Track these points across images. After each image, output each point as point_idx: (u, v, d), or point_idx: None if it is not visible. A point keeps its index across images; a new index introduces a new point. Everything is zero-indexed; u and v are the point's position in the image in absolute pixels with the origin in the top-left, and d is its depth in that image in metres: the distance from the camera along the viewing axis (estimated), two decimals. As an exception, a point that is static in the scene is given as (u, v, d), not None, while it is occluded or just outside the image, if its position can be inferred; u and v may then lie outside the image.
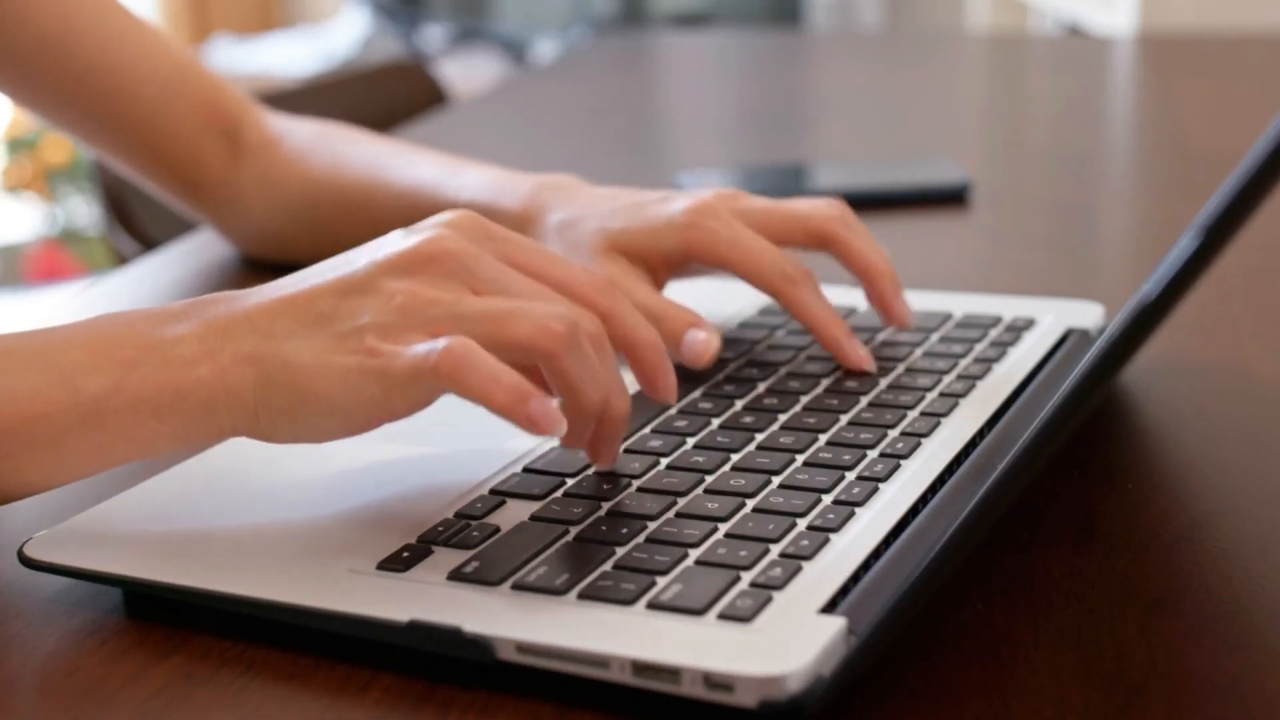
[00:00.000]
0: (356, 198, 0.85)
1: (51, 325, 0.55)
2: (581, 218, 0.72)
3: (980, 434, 0.61)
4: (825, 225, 0.70)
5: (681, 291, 0.78)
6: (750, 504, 0.54)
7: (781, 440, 0.59)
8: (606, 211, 0.72)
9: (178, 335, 0.54)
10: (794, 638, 0.45)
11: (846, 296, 0.77)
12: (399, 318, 0.53)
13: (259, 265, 0.94)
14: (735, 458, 0.58)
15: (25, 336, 0.54)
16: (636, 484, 0.56)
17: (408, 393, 0.52)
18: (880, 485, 0.55)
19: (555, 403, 0.52)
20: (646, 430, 0.61)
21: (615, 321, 0.56)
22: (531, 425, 0.51)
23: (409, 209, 0.82)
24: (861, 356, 0.67)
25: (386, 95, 1.63)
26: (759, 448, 0.59)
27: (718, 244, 0.68)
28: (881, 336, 0.71)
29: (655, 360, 0.57)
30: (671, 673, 0.45)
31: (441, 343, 0.51)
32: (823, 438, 0.60)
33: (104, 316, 0.55)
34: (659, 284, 0.71)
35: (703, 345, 0.65)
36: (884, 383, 0.65)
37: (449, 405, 0.54)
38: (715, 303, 0.77)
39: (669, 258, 0.70)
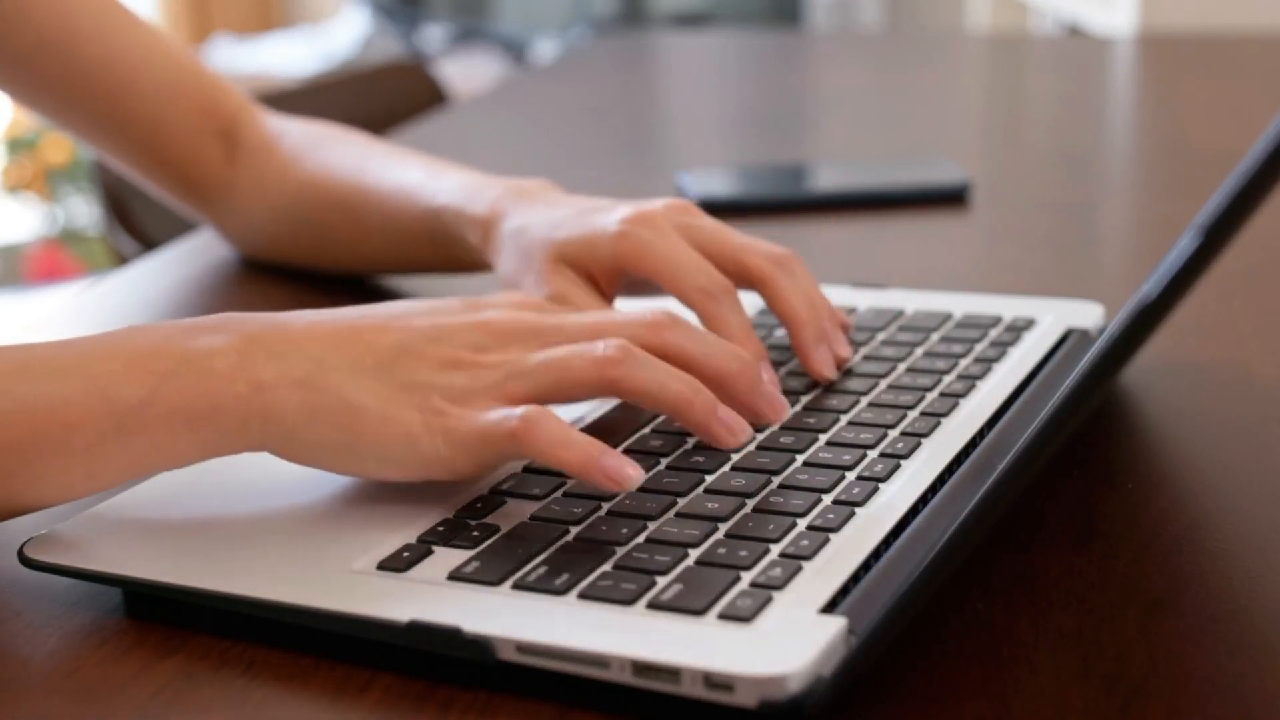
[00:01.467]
0: (343, 201, 0.86)
1: (85, 335, 0.55)
2: (531, 225, 0.72)
3: (980, 434, 0.61)
4: (758, 264, 0.67)
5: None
6: (750, 504, 0.54)
7: (781, 440, 0.59)
8: (556, 220, 0.71)
9: (213, 348, 0.54)
10: (794, 638, 0.45)
11: (846, 296, 0.77)
12: (467, 382, 0.55)
13: (257, 267, 0.94)
14: (735, 458, 0.58)
15: (60, 345, 0.54)
16: (636, 484, 0.56)
17: (475, 456, 0.54)
18: (880, 485, 0.55)
19: (624, 457, 0.53)
20: (646, 430, 0.61)
21: (668, 345, 0.57)
22: (608, 480, 0.52)
23: (390, 212, 0.83)
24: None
25: (386, 95, 1.63)
26: (759, 448, 0.59)
27: (645, 254, 0.67)
28: (882, 336, 0.71)
29: (746, 386, 0.58)
30: (671, 673, 0.45)
31: (519, 411, 0.53)
32: (823, 438, 0.60)
33: (137, 327, 0.55)
34: (607, 295, 0.70)
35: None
36: (884, 383, 0.65)
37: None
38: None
39: (605, 268, 0.69)
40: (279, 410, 0.53)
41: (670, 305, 0.69)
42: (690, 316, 0.67)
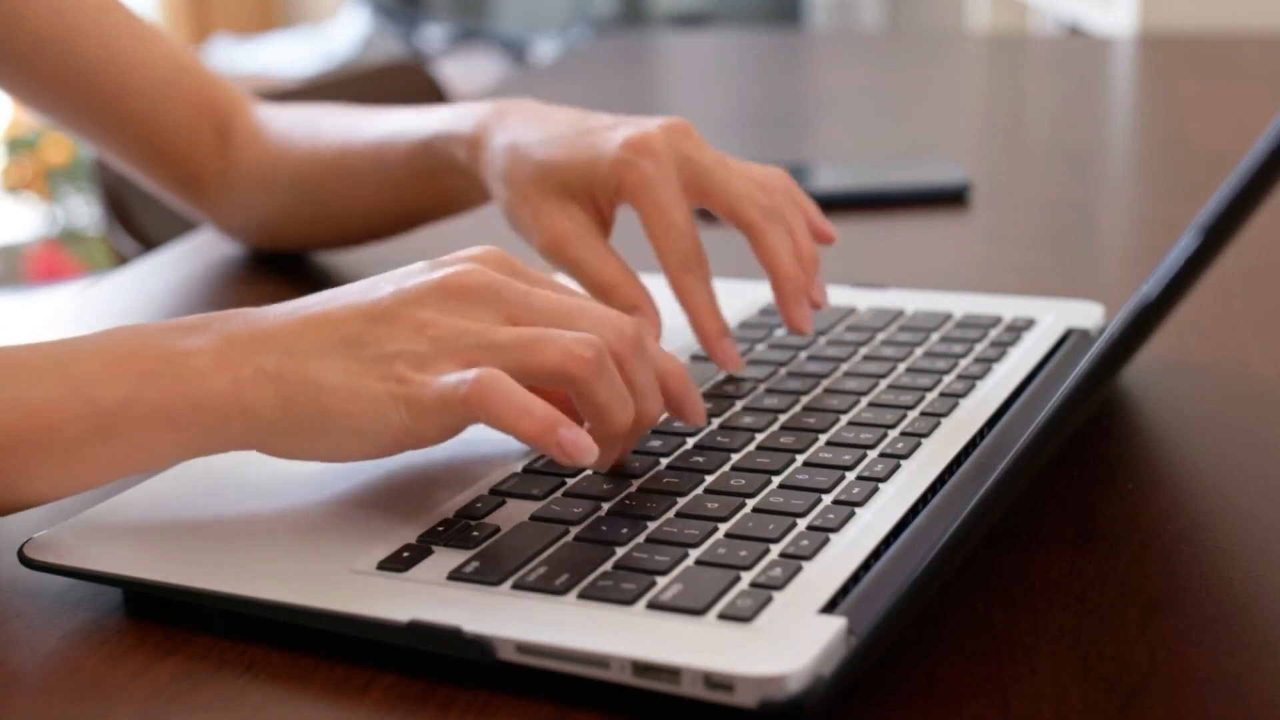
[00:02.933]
0: (334, 161, 0.85)
1: (65, 337, 0.55)
2: (524, 143, 0.71)
3: (980, 434, 0.61)
4: (747, 212, 0.68)
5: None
6: (750, 504, 0.54)
7: (781, 440, 0.59)
8: (550, 138, 0.71)
9: (194, 347, 0.54)
10: (794, 638, 0.45)
11: (846, 296, 0.77)
12: (429, 347, 0.53)
13: (257, 266, 0.94)
14: (735, 458, 0.58)
15: (40, 347, 0.54)
16: (636, 484, 0.56)
17: (438, 421, 0.53)
18: (880, 485, 0.55)
19: (582, 431, 0.52)
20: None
21: (629, 368, 0.56)
22: (562, 453, 0.51)
23: (380, 158, 0.82)
24: (729, 355, 0.66)
25: (386, 95, 1.63)
26: (759, 448, 0.59)
27: (640, 193, 0.67)
28: (882, 336, 0.71)
29: (679, 389, 0.58)
30: (671, 673, 0.45)
31: (471, 373, 0.52)
32: (823, 438, 0.60)
33: (119, 328, 0.55)
34: (607, 220, 0.70)
35: None
36: (884, 383, 0.65)
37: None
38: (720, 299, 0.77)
39: (606, 193, 0.69)
40: (257, 404, 0.53)
41: None
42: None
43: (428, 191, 0.81)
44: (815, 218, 0.71)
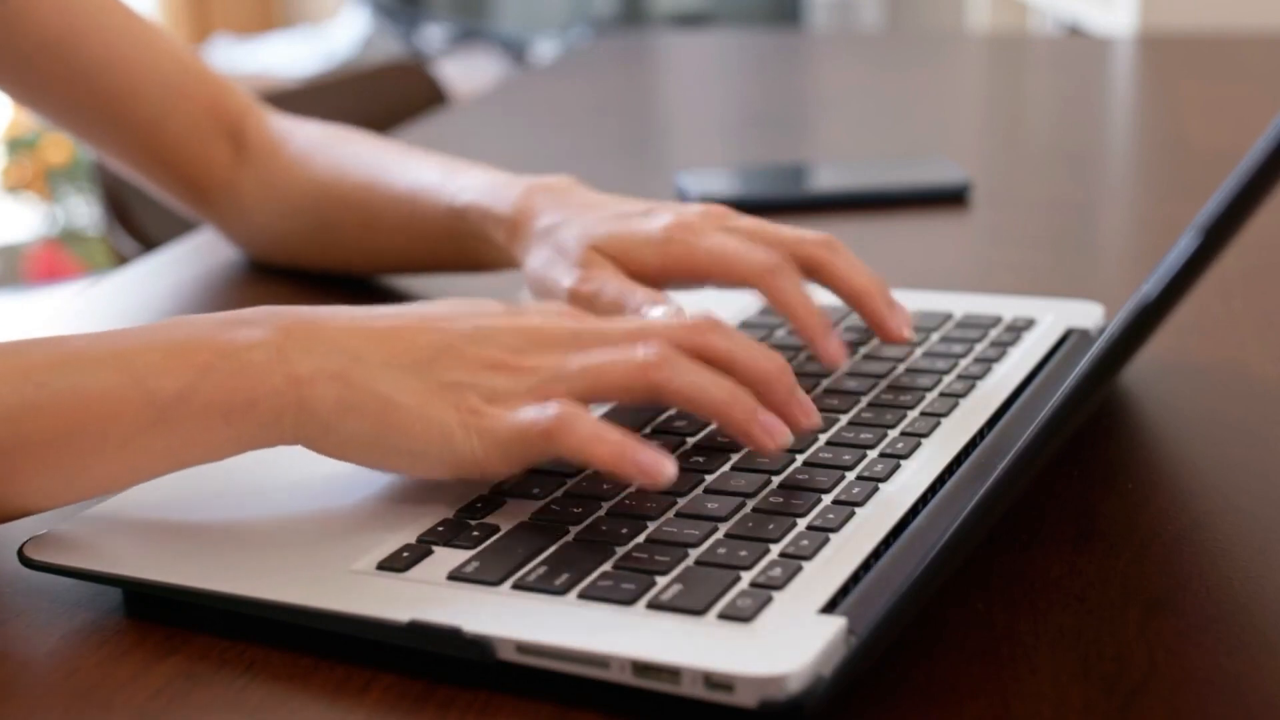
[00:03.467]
0: (357, 200, 0.85)
1: (123, 328, 0.55)
2: (567, 223, 0.73)
3: (980, 434, 0.61)
4: (813, 249, 0.68)
5: (684, 297, 0.78)
6: (750, 504, 0.54)
7: (781, 440, 0.59)
8: (593, 220, 0.72)
9: (251, 341, 0.54)
10: (794, 638, 0.45)
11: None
12: (505, 383, 0.55)
13: (259, 267, 0.94)
14: (735, 458, 0.58)
15: (98, 337, 0.55)
16: (637, 484, 0.56)
17: (508, 454, 0.54)
18: (880, 485, 0.55)
19: (658, 450, 0.53)
20: (646, 430, 0.61)
21: (709, 347, 0.56)
22: (641, 474, 0.52)
23: (408, 211, 0.82)
24: (834, 349, 0.65)
25: (386, 95, 1.63)
26: (759, 448, 0.59)
27: (696, 254, 0.68)
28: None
29: (783, 392, 0.57)
30: (671, 673, 0.45)
31: (552, 407, 0.53)
32: (823, 438, 0.60)
33: (175, 320, 0.56)
34: None
35: None
36: (884, 383, 0.65)
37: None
38: (714, 306, 0.77)
39: (645, 270, 0.70)
40: (315, 404, 0.54)
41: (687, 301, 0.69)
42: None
43: (456, 254, 0.82)
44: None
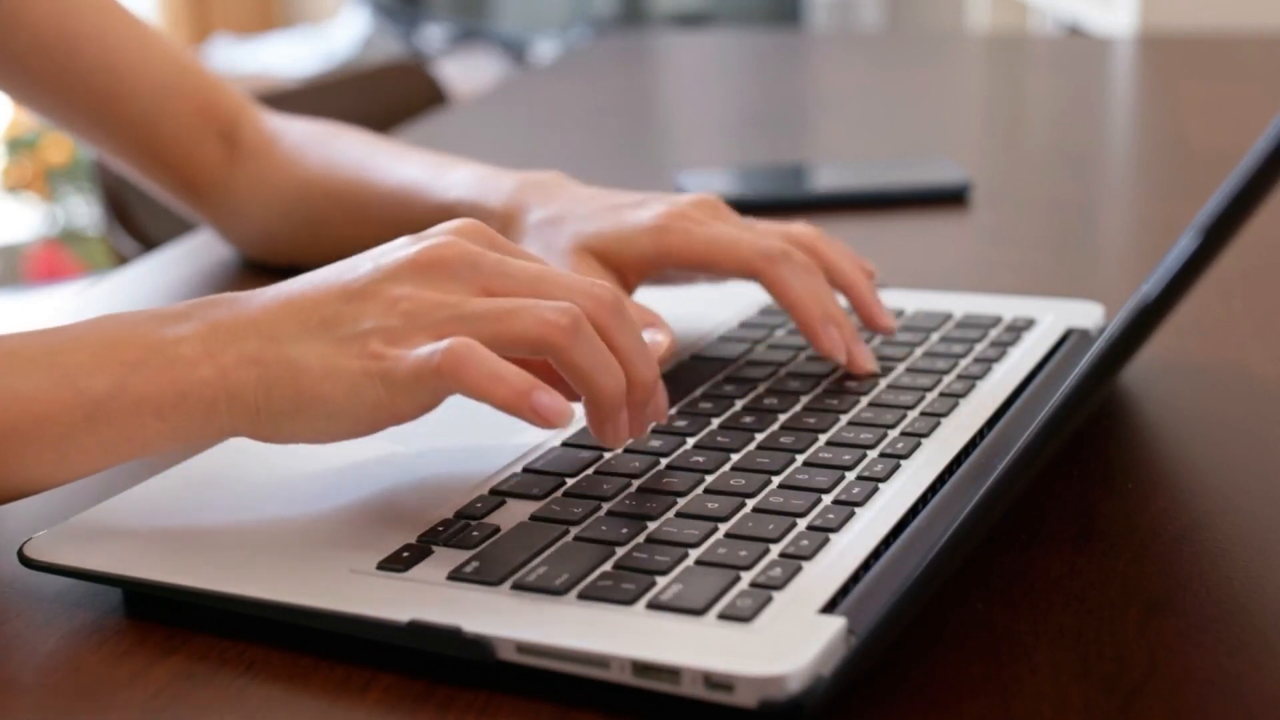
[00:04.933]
0: (347, 196, 0.85)
1: (54, 326, 0.55)
2: (559, 217, 0.72)
3: (980, 434, 0.61)
4: (803, 238, 0.69)
5: (682, 294, 0.78)
6: (750, 504, 0.54)
7: (781, 440, 0.59)
8: (584, 213, 0.72)
9: (180, 335, 0.54)
10: (794, 638, 0.45)
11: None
12: (403, 321, 0.53)
13: (258, 266, 0.94)
14: (735, 458, 0.58)
15: (29, 336, 0.55)
16: (636, 484, 0.56)
17: (412, 395, 0.52)
18: (880, 485, 0.55)
19: (558, 395, 0.52)
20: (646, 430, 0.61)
21: (610, 332, 0.55)
22: (537, 418, 0.51)
23: (398, 207, 0.82)
24: (835, 343, 0.65)
25: (386, 95, 1.63)
26: (759, 448, 0.59)
27: (692, 242, 0.68)
28: (881, 336, 0.71)
29: (643, 398, 0.56)
30: (671, 673, 0.45)
31: (444, 344, 0.52)
32: (823, 438, 0.60)
33: (107, 317, 0.55)
34: (628, 288, 0.71)
35: (654, 347, 0.64)
36: (884, 383, 0.65)
37: (450, 405, 0.54)
38: (713, 306, 0.77)
39: (640, 262, 0.69)
40: (240, 391, 0.53)
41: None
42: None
43: None
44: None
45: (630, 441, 0.59)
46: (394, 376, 0.52)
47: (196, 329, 0.54)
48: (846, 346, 0.66)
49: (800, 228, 0.70)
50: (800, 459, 0.58)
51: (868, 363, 0.66)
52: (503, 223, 0.75)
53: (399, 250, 0.56)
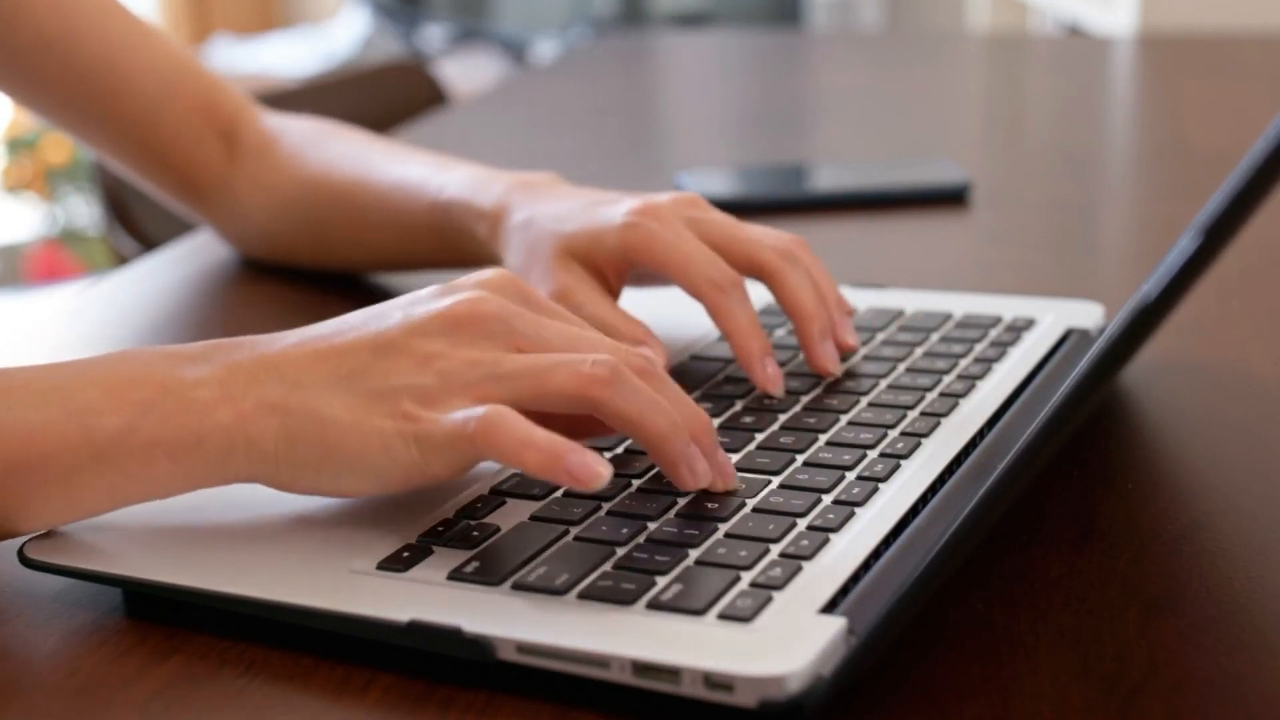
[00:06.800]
0: (346, 196, 0.85)
1: (67, 360, 0.55)
2: (538, 218, 0.72)
3: (980, 434, 0.61)
4: (766, 257, 0.67)
5: (682, 294, 0.78)
6: (750, 504, 0.54)
7: (781, 440, 0.59)
8: (562, 213, 0.71)
9: (197, 378, 0.53)
10: (794, 638, 0.45)
11: (846, 296, 0.77)
12: (438, 381, 0.53)
13: (257, 266, 0.94)
14: (735, 458, 0.58)
15: (41, 370, 0.54)
16: (636, 484, 0.56)
17: (446, 459, 0.52)
18: (880, 485, 0.55)
19: (591, 454, 0.51)
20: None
21: (653, 385, 0.54)
22: (573, 480, 0.50)
23: (395, 206, 0.82)
24: (769, 377, 0.64)
25: (386, 95, 1.63)
26: (759, 448, 0.59)
27: (654, 245, 0.67)
28: (882, 336, 0.71)
29: (707, 449, 0.55)
30: (671, 673, 0.45)
31: (478, 411, 0.51)
32: (823, 438, 0.60)
33: (122, 353, 0.55)
34: (614, 290, 0.70)
35: None
36: (884, 383, 0.65)
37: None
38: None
39: (613, 260, 0.68)
40: (259, 438, 0.52)
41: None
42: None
43: (441, 249, 0.81)
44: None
45: (630, 442, 0.59)
46: (429, 440, 0.52)
47: (214, 371, 0.53)
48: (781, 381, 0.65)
49: (774, 241, 0.68)
50: (800, 459, 0.58)
51: (772, 384, 0.64)
52: (491, 222, 0.75)
53: (430, 303, 0.55)
